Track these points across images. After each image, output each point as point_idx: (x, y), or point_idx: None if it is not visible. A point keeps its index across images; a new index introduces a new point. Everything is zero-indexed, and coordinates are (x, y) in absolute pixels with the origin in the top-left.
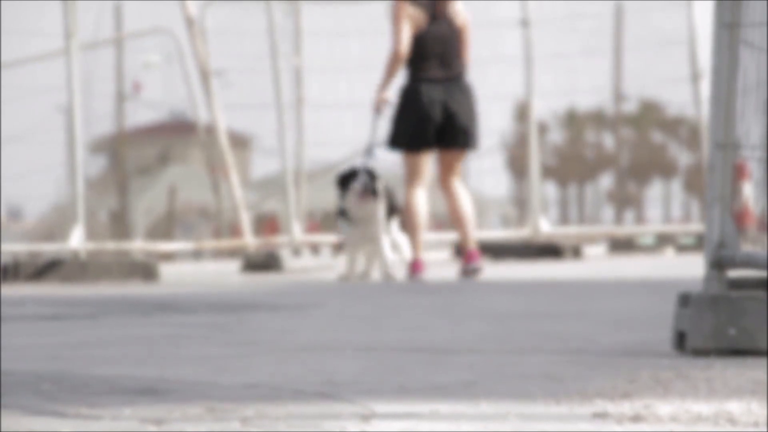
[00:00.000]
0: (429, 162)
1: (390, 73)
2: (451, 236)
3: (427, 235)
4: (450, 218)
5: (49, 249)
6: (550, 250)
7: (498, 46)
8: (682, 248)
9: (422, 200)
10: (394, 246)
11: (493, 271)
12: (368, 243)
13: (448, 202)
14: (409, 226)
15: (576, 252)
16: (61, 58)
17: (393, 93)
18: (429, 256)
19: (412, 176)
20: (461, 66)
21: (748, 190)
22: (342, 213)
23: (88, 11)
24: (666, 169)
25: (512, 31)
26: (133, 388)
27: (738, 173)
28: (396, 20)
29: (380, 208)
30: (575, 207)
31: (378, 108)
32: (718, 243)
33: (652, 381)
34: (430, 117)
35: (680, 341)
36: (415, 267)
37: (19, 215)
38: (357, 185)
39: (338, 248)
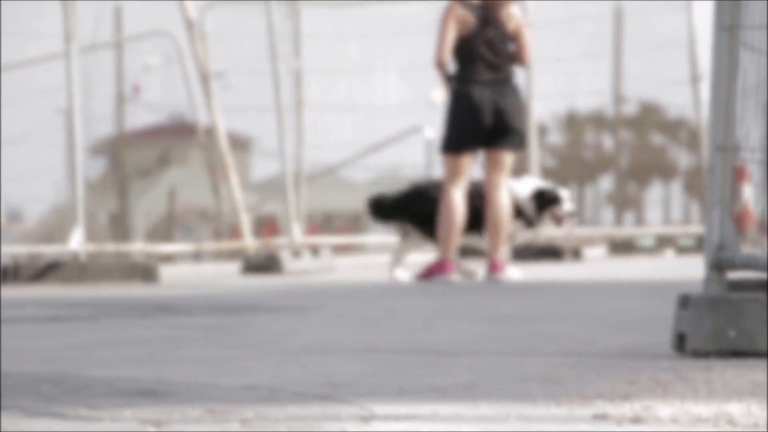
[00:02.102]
0: (470, 164)
1: (440, 74)
2: None
3: None
4: (486, 221)
5: (48, 251)
6: (549, 252)
7: None
8: (681, 250)
9: (460, 201)
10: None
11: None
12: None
13: (488, 205)
14: (444, 225)
15: (576, 254)
16: (61, 60)
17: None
18: (429, 258)
19: (452, 177)
20: (510, 69)
21: (748, 192)
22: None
23: (87, 13)
24: (666, 171)
25: None
26: (133, 390)
27: (738, 175)
28: (442, 24)
29: None
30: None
31: (443, 75)
32: (718, 245)
33: (652, 382)
34: (481, 119)
35: (680, 343)
36: (443, 267)
37: (19, 217)
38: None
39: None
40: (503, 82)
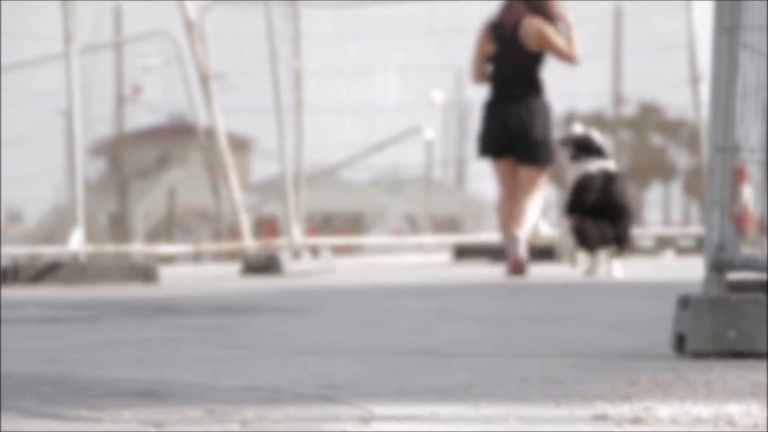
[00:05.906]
0: (501, 167)
1: None
2: (452, 239)
3: (426, 238)
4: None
5: (48, 252)
6: (549, 253)
7: None
8: (681, 251)
9: (504, 202)
10: None
11: (492, 273)
12: None
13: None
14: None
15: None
16: (61, 61)
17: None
18: (429, 259)
19: (497, 181)
20: (530, 86)
21: (748, 193)
22: None
23: (87, 14)
24: (666, 172)
25: None
26: (133, 391)
27: (737, 176)
28: (476, 43)
29: None
30: None
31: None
32: (718, 246)
33: (652, 383)
34: (492, 128)
35: (680, 344)
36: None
37: (19, 218)
38: None
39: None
40: (521, 99)
